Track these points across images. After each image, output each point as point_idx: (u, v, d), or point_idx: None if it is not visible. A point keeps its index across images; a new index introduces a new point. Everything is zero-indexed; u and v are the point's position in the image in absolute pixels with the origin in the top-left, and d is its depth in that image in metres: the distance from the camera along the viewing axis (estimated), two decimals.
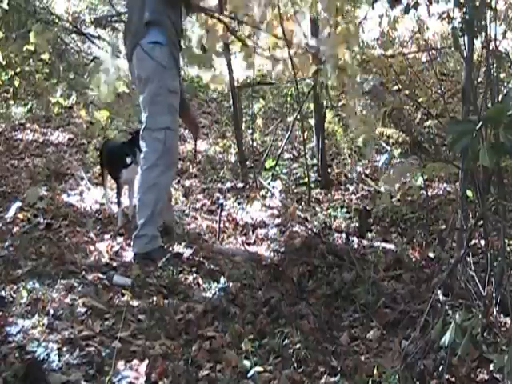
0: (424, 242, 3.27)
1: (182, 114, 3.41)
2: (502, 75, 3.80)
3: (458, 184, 2.63)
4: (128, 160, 3.52)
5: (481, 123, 1.60)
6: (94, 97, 6.94)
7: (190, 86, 7.45)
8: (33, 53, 6.77)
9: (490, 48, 2.22)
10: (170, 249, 3.24)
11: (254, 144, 5.09)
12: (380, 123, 4.36)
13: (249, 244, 3.44)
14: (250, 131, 5.15)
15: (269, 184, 4.41)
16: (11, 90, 6.78)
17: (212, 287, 2.84)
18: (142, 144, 3.22)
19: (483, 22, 2.19)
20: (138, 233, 3.15)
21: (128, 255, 3.16)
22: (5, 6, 5.64)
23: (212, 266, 3.09)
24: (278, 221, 3.69)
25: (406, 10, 2.54)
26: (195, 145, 3.99)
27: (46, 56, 6.92)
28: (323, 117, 4.42)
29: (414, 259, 3.09)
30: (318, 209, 3.95)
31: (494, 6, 2.22)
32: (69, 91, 7.09)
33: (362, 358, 2.23)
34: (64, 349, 2.14)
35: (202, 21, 3.63)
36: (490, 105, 2.27)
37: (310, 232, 3.38)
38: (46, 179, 4.46)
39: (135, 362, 2.08)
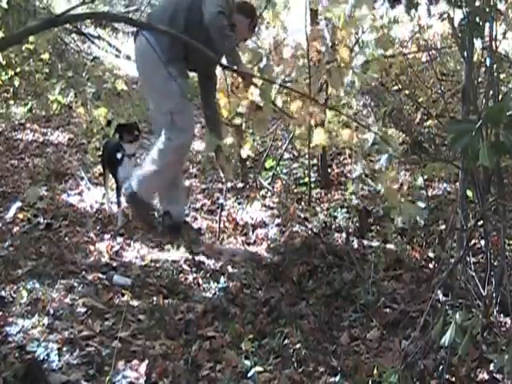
0: (424, 242, 3.26)
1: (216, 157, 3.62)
2: (502, 75, 3.80)
3: (457, 184, 2.63)
4: (118, 155, 3.53)
5: (481, 123, 1.60)
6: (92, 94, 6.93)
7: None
8: (33, 53, 6.78)
9: (491, 48, 2.22)
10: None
11: (254, 144, 5.08)
12: (380, 123, 4.35)
13: (249, 244, 3.44)
14: (250, 131, 5.13)
15: (269, 184, 4.41)
16: (11, 90, 6.78)
17: (212, 287, 2.84)
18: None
19: (485, 22, 2.19)
20: (138, 173, 3.35)
21: (128, 255, 3.16)
22: (5, 5, 5.63)
23: (212, 266, 3.09)
24: (278, 221, 3.69)
25: (407, 10, 2.53)
26: (225, 191, 3.88)
27: (45, 56, 6.93)
28: None
29: (413, 259, 3.09)
30: (318, 209, 3.95)
31: (496, 6, 2.21)
32: (67, 89, 7.08)
33: (362, 358, 2.23)
34: (64, 349, 2.14)
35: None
36: (490, 105, 2.27)
37: (309, 232, 3.38)
38: (45, 179, 4.45)
39: (135, 361, 2.09)
